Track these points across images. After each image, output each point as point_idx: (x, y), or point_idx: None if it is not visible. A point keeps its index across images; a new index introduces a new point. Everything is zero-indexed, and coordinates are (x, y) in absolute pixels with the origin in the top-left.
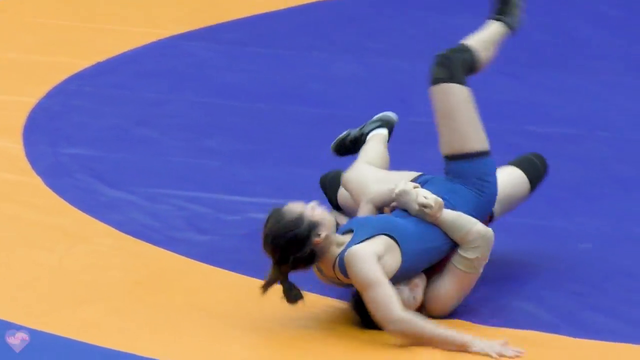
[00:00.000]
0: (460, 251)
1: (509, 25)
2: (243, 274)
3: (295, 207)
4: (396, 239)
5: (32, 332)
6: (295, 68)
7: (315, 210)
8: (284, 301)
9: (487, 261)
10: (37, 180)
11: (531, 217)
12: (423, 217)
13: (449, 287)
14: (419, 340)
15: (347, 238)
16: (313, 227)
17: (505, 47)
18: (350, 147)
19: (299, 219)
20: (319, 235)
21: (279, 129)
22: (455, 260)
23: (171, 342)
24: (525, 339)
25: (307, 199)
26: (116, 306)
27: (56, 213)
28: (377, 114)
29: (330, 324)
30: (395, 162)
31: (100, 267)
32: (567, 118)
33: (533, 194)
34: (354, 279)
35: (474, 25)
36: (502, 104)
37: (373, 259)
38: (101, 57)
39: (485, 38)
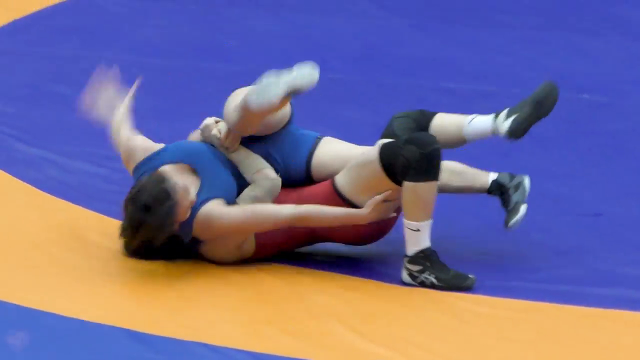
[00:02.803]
0: (247, 189)
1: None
2: None
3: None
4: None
5: None
6: (210, 23)
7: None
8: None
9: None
10: None
11: None
12: (220, 150)
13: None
14: (319, 225)
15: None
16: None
17: (416, 2)
18: None
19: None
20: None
21: (193, 86)
22: (240, 198)
23: (85, 300)
24: (451, 298)
25: None
26: (32, 264)
27: None
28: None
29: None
30: (313, 119)
31: (16, 224)
32: (481, 74)
33: None
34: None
35: None
36: (415, 59)
37: (223, 208)
38: (15, 15)
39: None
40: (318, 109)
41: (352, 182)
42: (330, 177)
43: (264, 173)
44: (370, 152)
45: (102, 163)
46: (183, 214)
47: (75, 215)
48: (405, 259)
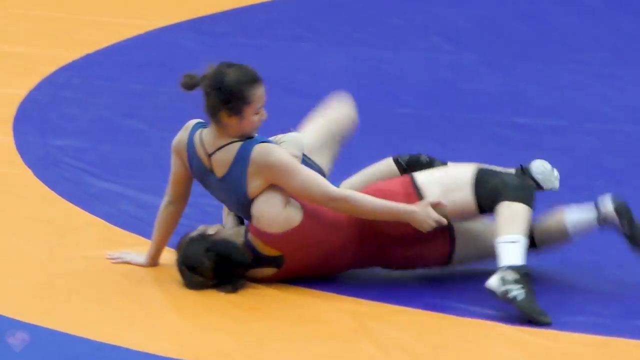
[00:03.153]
0: None
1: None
2: None
3: None
4: None
5: (23, 325)
6: (281, 59)
7: None
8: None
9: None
10: (27, 172)
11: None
12: None
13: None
14: (361, 212)
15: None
16: None
17: (489, 38)
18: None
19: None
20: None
21: (266, 121)
22: None
23: (159, 334)
24: (524, 334)
25: None
26: (105, 297)
27: (46, 205)
28: (362, 103)
29: None
30: (379, 153)
31: (89, 258)
32: (553, 109)
33: None
34: (274, 167)
35: (455, 16)
36: (487, 95)
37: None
38: (90, 49)
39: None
40: (389, 143)
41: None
42: None
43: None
44: (465, 170)
45: None
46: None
47: (147, 249)
48: (506, 266)
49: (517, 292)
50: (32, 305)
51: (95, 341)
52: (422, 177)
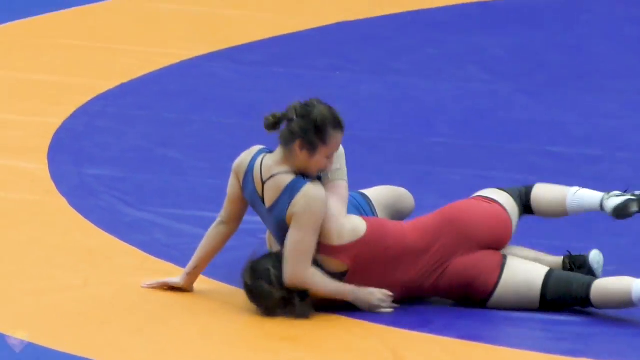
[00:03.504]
0: None
1: None
2: None
3: None
4: None
5: (58, 354)
6: (317, 88)
7: None
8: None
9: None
10: (62, 201)
11: (554, 238)
12: None
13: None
14: (312, 291)
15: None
16: None
17: (524, 66)
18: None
19: None
20: None
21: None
22: None
23: None
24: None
25: None
26: (140, 327)
27: (81, 233)
28: (398, 132)
29: None
30: (417, 181)
31: (124, 287)
32: (587, 138)
33: None
34: (305, 212)
35: (490, 45)
36: (522, 123)
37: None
38: (124, 78)
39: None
40: (423, 172)
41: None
42: None
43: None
44: (538, 273)
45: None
46: None
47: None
48: None
49: None
50: (67, 334)
51: None
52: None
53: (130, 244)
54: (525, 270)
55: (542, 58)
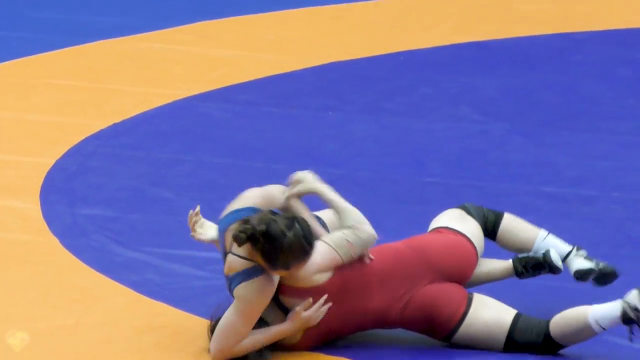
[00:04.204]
0: (344, 231)
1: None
2: None
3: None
4: None
5: None
6: (310, 128)
7: None
8: None
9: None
10: (54, 241)
11: (550, 279)
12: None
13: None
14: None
15: None
16: None
17: (517, 107)
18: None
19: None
20: None
21: None
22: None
23: None
24: None
25: None
26: None
27: (73, 273)
28: (390, 172)
29: None
30: (411, 221)
31: (117, 327)
32: (581, 178)
33: None
34: (244, 300)
35: (484, 85)
36: (515, 163)
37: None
38: (117, 118)
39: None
40: (416, 213)
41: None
42: None
43: (366, 227)
44: (505, 316)
45: (201, 266)
46: None
47: (174, 318)
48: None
49: None
50: None
51: None
52: (473, 307)
53: (123, 284)
54: (494, 307)
55: (535, 98)
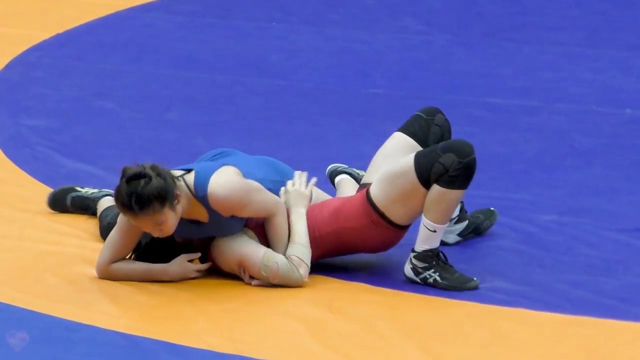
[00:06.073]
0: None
1: None
2: None
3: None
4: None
5: None
6: (254, 39)
7: None
8: None
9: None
10: None
11: (491, 189)
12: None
13: (235, 251)
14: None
15: None
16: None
17: (462, 19)
18: None
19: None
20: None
21: (238, 101)
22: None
23: (124, 313)
24: (493, 314)
25: None
26: (75, 278)
27: (17, 184)
28: (335, 84)
29: None
30: (354, 132)
31: (60, 237)
32: (524, 89)
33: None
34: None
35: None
36: (459, 75)
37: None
38: (59, 29)
39: None
40: (360, 124)
41: (386, 192)
42: None
43: (301, 269)
44: (406, 161)
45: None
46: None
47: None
48: (412, 254)
49: (433, 275)
50: (4, 284)
51: (67, 320)
52: (374, 191)
53: None
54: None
55: (479, 10)
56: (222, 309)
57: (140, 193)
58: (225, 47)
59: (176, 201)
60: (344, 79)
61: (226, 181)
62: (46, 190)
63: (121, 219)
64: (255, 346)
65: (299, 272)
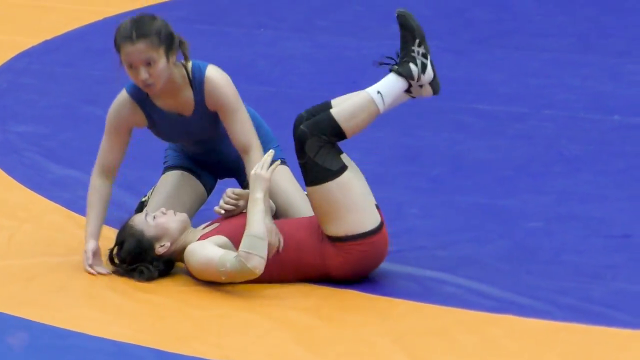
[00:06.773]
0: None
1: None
2: None
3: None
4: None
5: None
6: (243, 46)
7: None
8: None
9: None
10: None
11: (478, 195)
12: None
13: (195, 263)
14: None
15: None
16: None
17: (451, 25)
18: None
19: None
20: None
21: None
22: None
23: (112, 320)
24: (482, 321)
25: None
26: (64, 284)
27: (4, 191)
28: (325, 91)
29: None
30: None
31: (48, 245)
32: (513, 96)
33: None
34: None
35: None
36: (447, 81)
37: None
38: (49, 35)
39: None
40: None
41: (338, 218)
42: None
43: (253, 260)
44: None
45: (132, 184)
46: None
47: (107, 234)
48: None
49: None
50: None
51: (55, 327)
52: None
53: (55, 202)
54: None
55: (468, 16)
56: (210, 315)
57: (144, 23)
58: (214, 53)
59: (173, 55)
60: (332, 85)
61: (223, 73)
62: (35, 197)
63: (108, 123)
64: (243, 353)
65: (247, 266)
